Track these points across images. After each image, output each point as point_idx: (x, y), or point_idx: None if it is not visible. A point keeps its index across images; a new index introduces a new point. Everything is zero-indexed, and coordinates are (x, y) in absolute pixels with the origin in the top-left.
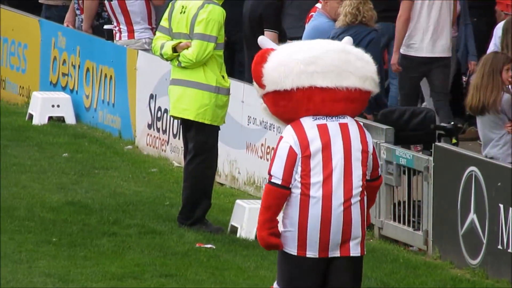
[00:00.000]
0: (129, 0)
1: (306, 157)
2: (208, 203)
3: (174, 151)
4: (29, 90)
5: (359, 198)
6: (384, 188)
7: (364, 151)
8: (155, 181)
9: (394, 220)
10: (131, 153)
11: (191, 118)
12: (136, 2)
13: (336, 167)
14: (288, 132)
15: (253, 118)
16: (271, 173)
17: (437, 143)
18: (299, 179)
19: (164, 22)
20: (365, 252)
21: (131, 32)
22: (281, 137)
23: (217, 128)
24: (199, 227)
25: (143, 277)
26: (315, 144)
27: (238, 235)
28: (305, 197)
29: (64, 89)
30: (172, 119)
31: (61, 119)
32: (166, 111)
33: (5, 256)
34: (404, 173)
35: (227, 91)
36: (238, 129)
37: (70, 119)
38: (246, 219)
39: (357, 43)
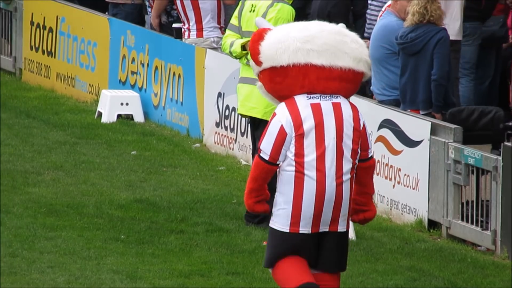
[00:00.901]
0: None
1: (300, 135)
2: None
3: (242, 149)
4: (98, 88)
5: (349, 175)
6: (452, 187)
7: (356, 129)
8: (223, 179)
9: (462, 219)
10: (199, 151)
11: (259, 116)
12: (208, 0)
13: (329, 145)
14: (282, 110)
15: None
16: (261, 147)
17: (506, 143)
18: (293, 157)
19: (234, 20)
20: (349, 228)
21: (200, 31)
22: (275, 114)
23: None
24: (266, 225)
25: (210, 275)
26: (308, 123)
27: None
28: (299, 174)
29: (133, 87)
30: (240, 117)
31: (129, 117)
32: (234, 109)
33: (74, 252)
34: (472, 172)
35: None
36: None
37: (139, 117)
38: None
39: (425, 42)
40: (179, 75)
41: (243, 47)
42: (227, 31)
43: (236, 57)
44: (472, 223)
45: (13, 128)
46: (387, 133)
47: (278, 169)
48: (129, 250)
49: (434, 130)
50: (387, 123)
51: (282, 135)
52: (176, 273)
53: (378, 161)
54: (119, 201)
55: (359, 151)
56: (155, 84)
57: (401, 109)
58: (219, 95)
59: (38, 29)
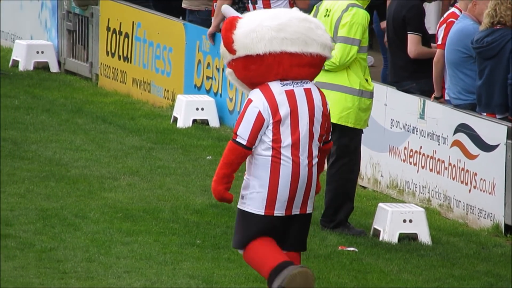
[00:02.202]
0: (274, 3)
1: (277, 122)
2: (350, 206)
3: None
4: (174, 93)
5: (317, 159)
6: None
7: (324, 114)
8: None
9: None
10: None
11: (334, 121)
12: (281, 5)
13: (303, 130)
14: (258, 97)
15: (396, 121)
16: (237, 133)
17: None
18: (271, 143)
19: None
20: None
21: None
22: (250, 100)
23: (360, 131)
24: (341, 230)
25: None
26: (284, 109)
27: (380, 238)
28: (276, 159)
29: (208, 92)
30: None
31: (205, 122)
32: None
33: (150, 257)
34: None
35: (370, 94)
36: (381, 132)
37: (214, 122)
38: (388, 222)
39: (502, 46)
40: None
41: None
42: None
43: None
44: None
45: (89, 134)
46: (463, 137)
47: (251, 154)
48: (205, 255)
49: (510, 134)
50: (462, 128)
51: (260, 121)
52: (252, 278)
53: (454, 165)
54: (194, 206)
55: (325, 135)
56: (230, 89)
57: (477, 113)
58: None
59: (114, 34)
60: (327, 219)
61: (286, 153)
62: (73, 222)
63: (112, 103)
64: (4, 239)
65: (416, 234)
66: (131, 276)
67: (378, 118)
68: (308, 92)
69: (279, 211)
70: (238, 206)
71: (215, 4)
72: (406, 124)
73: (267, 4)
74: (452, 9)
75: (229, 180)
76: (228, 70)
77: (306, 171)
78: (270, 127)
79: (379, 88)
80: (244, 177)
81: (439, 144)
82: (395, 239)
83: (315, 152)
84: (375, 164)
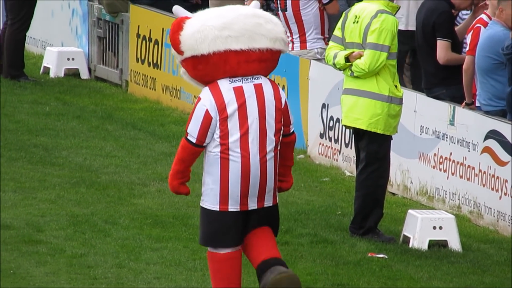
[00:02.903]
0: (304, 9)
1: (224, 119)
2: (380, 212)
3: (346, 161)
4: None
5: (273, 154)
6: None
7: (278, 109)
8: (327, 190)
9: None
10: (303, 162)
11: (363, 127)
12: (311, 11)
13: (252, 125)
14: (206, 95)
15: (426, 127)
16: (188, 130)
17: None
18: (219, 140)
19: (337, 32)
20: (277, 201)
21: (303, 42)
22: (199, 98)
23: (389, 138)
24: (371, 236)
25: (315, 286)
26: (232, 106)
27: (410, 245)
28: (225, 155)
29: None
30: (344, 128)
31: None
32: (338, 120)
33: (180, 263)
34: None
35: (399, 101)
36: (411, 138)
37: None
38: (418, 229)
39: None
40: (283, 86)
41: (347, 59)
42: (331, 43)
43: (339, 69)
44: None
45: (119, 140)
46: (493, 144)
47: (204, 150)
48: None
49: None
50: (493, 134)
51: (207, 119)
52: None
53: (484, 172)
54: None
55: (282, 128)
56: None
57: (507, 120)
58: (323, 106)
59: (144, 41)
60: (357, 226)
61: (234, 148)
62: (103, 228)
63: (141, 109)
64: (35, 245)
65: (446, 241)
66: (161, 282)
67: (407, 125)
68: (258, 87)
69: (233, 207)
70: (200, 203)
71: None
72: (436, 131)
73: (296, 11)
74: (481, 16)
75: (184, 175)
76: (182, 70)
77: (258, 166)
78: (218, 124)
79: (409, 94)
80: (203, 174)
81: (469, 151)
82: (425, 246)
83: (270, 147)
84: (404, 171)
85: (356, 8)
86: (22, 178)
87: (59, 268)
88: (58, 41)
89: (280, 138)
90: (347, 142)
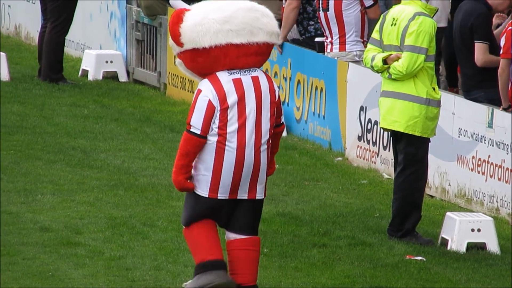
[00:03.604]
0: (346, 10)
1: (224, 109)
2: (418, 215)
3: (384, 163)
4: None
5: (266, 146)
6: None
7: (273, 102)
8: (365, 193)
9: None
10: (341, 164)
11: (401, 130)
12: (352, 13)
13: (249, 116)
14: (207, 87)
15: (464, 130)
16: (191, 123)
17: None
18: (217, 129)
19: (375, 34)
20: (265, 195)
21: (342, 44)
22: (200, 90)
23: (427, 140)
24: (409, 239)
25: None
26: (232, 97)
27: (448, 247)
28: (221, 144)
29: None
30: (382, 131)
31: None
32: (376, 123)
33: None
34: None
35: (437, 103)
36: (449, 141)
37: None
38: (456, 231)
39: None
40: (321, 89)
41: (385, 61)
42: (369, 45)
43: (377, 71)
44: None
45: (157, 143)
46: None
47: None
48: (272, 263)
49: None
50: None
51: (211, 109)
52: (319, 287)
53: None
54: (261, 214)
55: (275, 121)
56: (297, 98)
57: None
58: (361, 108)
59: None
60: (395, 228)
61: (231, 139)
62: (141, 231)
63: (180, 112)
64: (74, 247)
65: (484, 243)
66: None
67: (445, 127)
68: (255, 80)
69: (222, 195)
70: None
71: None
72: (474, 133)
73: (338, 11)
74: None
75: (188, 170)
76: (178, 61)
77: (252, 157)
78: (218, 114)
79: (447, 96)
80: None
81: (507, 153)
82: (463, 249)
83: (264, 138)
84: (442, 173)
85: (394, 11)
86: (61, 181)
87: (97, 270)
88: (96, 44)
89: (272, 130)
90: (385, 144)
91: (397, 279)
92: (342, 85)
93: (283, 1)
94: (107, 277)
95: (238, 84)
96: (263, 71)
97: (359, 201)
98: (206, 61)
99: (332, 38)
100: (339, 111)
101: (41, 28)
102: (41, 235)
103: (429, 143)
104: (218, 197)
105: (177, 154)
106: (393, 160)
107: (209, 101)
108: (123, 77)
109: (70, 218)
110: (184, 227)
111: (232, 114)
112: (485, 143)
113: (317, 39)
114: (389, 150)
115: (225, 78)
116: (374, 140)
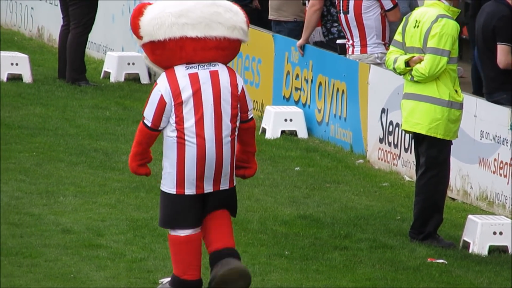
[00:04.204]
0: (366, 13)
1: (179, 104)
2: (440, 217)
3: (406, 165)
4: (263, 104)
5: (229, 138)
6: None
7: (234, 95)
8: (386, 195)
9: None
10: (362, 167)
11: (423, 132)
12: (372, 16)
13: (207, 111)
14: (162, 80)
15: (486, 132)
16: (144, 114)
17: None
18: (175, 125)
19: (397, 36)
20: (234, 184)
21: (364, 47)
22: (156, 83)
23: (449, 143)
24: (430, 241)
25: None
26: (186, 92)
27: (470, 250)
28: (181, 140)
29: (296, 103)
30: (403, 133)
31: (293, 133)
32: (397, 125)
33: None
34: None
35: (460, 106)
36: (471, 143)
37: (302, 133)
38: (478, 234)
39: None
40: (343, 91)
41: (407, 63)
42: (391, 47)
43: (400, 73)
44: None
45: None
46: None
47: (163, 135)
48: (293, 266)
49: None
50: None
51: (162, 104)
52: None
53: None
54: (283, 217)
55: (239, 114)
56: (318, 100)
57: None
58: (383, 111)
59: None
60: (416, 231)
61: (190, 133)
62: (162, 233)
63: None
64: (96, 249)
65: (506, 246)
66: None
67: (467, 130)
68: (214, 74)
69: (189, 190)
70: (160, 187)
71: None
72: (496, 136)
73: (358, 14)
74: None
75: (143, 157)
76: (144, 55)
77: (213, 150)
78: (173, 110)
79: (469, 99)
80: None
81: None
82: (485, 252)
83: (226, 132)
84: (464, 176)
85: (416, 13)
86: (83, 183)
87: (119, 272)
88: (118, 46)
89: (238, 124)
90: (406, 147)
91: (419, 282)
92: (364, 87)
93: (306, 3)
94: (129, 279)
95: (194, 79)
96: (227, 66)
97: (380, 203)
98: (163, 54)
99: (353, 41)
100: (361, 113)
101: (61, 27)
102: (63, 237)
103: (451, 146)
104: (186, 193)
105: (134, 141)
106: (414, 163)
107: (161, 96)
108: (145, 79)
109: (92, 220)
110: (168, 233)
111: (188, 109)
112: (507, 145)
113: (338, 41)
114: (410, 153)
115: (182, 72)
116: (395, 143)
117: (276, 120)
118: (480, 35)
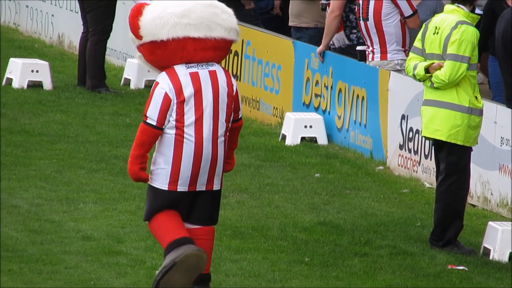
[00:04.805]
0: (386, 20)
1: (181, 102)
2: (460, 224)
3: (426, 172)
4: (283, 111)
5: (223, 138)
6: None
7: (230, 95)
8: (406, 202)
9: None
10: (382, 173)
11: (443, 138)
12: (392, 23)
13: (206, 109)
14: (164, 79)
15: (506, 139)
16: (147, 114)
17: None
18: (174, 122)
19: (417, 43)
20: (222, 185)
21: (384, 53)
22: (157, 83)
23: (469, 149)
24: (451, 248)
25: None
26: (188, 91)
27: (490, 257)
28: (179, 137)
29: (316, 109)
30: (423, 139)
31: (313, 140)
32: (417, 131)
33: (259, 275)
34: None
35: (480, 112)
36: (491, 150)
37: (322, 140)
38: (499, 241)
39: None
40: (363, 98)
41: (427, 70)
42: (411, 54)
43: (419, 80)
44: None
45: None
46: None
47: None
48: (313, 273)
49: None
50: None
51: (167, 101)
52: None
53: None
54: (303, 223)
55: (232, 114)
56: (338, 107)
57: None
58: (403, 117)
59: None
60: (436, 238)
61: (189, 131)
62: None
63: None
64: (116, 256)
65: None
66: None
67: (487, 136)
68: (212, 74)
69: (182, 187)
70: (148, 182)
71: None
72: None
73: (378, 21)
74: None
75: (143, 160)
76: (138, 54)
77: (209, 149)
78: (174, 107)
79: (489, 105)
80: (154, 154)
81: None
82: (505, 258)
83: (221, 131)
84: (484, 182)
85: (436, 19)
86: (103, 190)
87: (139, 279)
88: None
89: (230, 123)
90: (426, 153)
91: None
92: (384, 94)
93: (326, 10)
94: (149, 286)
95: (195, 77)
96: (221, 66)
97: (400, 210)
98: (164, 53)
99: (373, 47)
100: (380, 119)
101: (81, 34)
102: (83, 244)
103: (471, 152)
104: (178, 190)
105: (133, 145)
106: (434, 169)
107: (165, 94)
108: None
109: (112, 227)
110: (147, 222)
111: (189, 107)
112: None
113: (358, 48)
114: (430, 159)
115: (183, 71)
116: (415, 149)
117: (296, 126)
118: (500, 42)
